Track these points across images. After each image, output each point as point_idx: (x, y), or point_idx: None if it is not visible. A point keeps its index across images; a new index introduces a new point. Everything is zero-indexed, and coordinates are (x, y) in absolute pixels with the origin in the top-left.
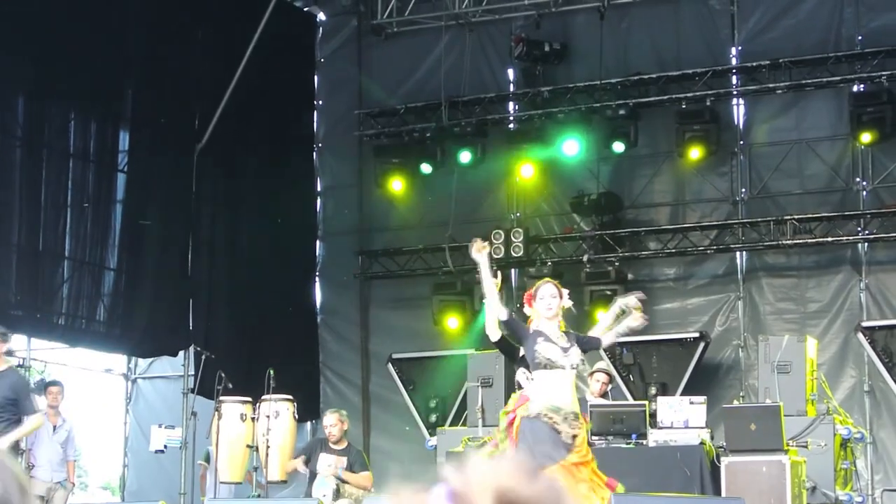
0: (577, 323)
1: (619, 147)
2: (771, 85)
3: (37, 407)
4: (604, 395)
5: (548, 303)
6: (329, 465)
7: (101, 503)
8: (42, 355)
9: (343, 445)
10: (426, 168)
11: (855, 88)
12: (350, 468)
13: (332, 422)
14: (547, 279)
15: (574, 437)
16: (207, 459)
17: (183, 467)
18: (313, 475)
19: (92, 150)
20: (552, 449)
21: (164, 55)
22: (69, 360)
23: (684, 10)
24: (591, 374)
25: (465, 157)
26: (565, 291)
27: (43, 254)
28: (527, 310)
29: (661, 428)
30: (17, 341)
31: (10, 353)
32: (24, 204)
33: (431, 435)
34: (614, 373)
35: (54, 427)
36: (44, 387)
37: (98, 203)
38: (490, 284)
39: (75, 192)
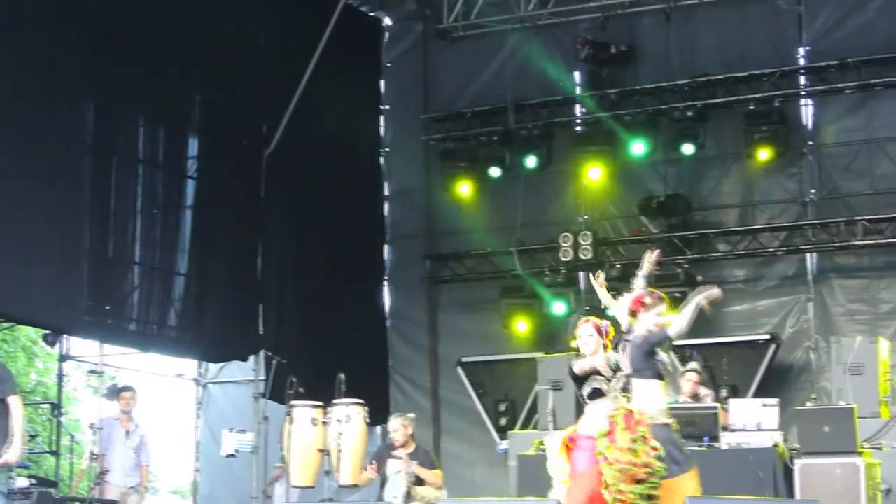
0: None
1: (688, 149)
2: (839, 85)
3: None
4: (694, 395)
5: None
6: (398, 470)
7: None
8: (114, 361)
9: (410, 449)
10: (495, 172)
11: None
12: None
13: (395, 426)
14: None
15: None
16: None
17: (254, 472)
18: (384, 479)
19: (161, 156)
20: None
21: (231, 61)
22: (141, 366)
23: (751, 11)
24: (683, 374)
25: (531, 161)
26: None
27: (113, 260)
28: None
29: (733, 430)
30: (89, 347)
31: None
32: (94, 210)
33: (501, 438)
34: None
35: (127, 432)
36: (116, 392)
37: (167, 209)
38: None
39: (145, 198)
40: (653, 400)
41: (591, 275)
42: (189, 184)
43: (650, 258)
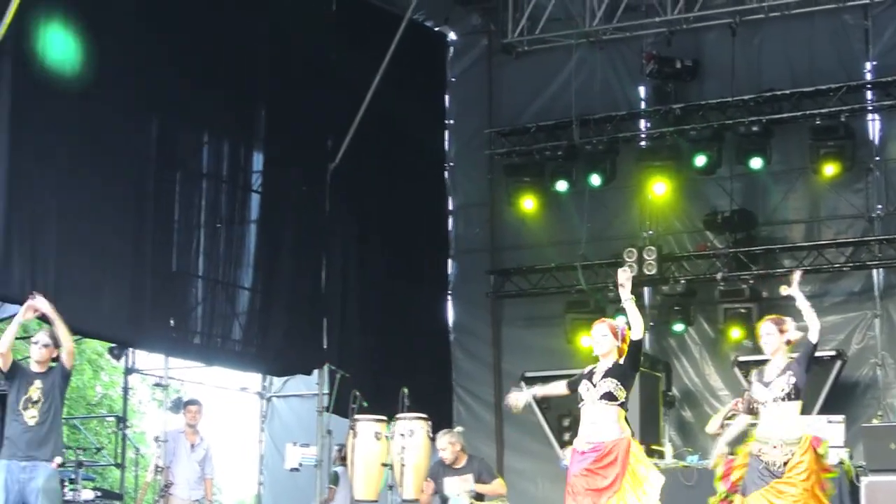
0: (711, 341)
1: (755, 164)
2: None
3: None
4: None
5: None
6: (456, 490)
7: None
8: (179, 374)
9: (463, 462)
10: (561, 186)
11: None
12: (479, 479)
13: (443, 445)
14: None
15: (784, 463)
16: (335, 481)
17: (318, 485)
18: (444, 500)
19: (225, 170)
20: (754, 479)
21: (296, 76)
22: (205, 379)
23: (817, 25)
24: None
25: (595, 180)
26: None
27: (177, 274)
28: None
29: None
30: (155, 360)
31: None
32: (158, 224)
33: (565, 453)
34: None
35: (192, 445)
36: (183, 405)
37: (231, 223)
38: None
39: (208, 212)
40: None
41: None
42: (254, 198)
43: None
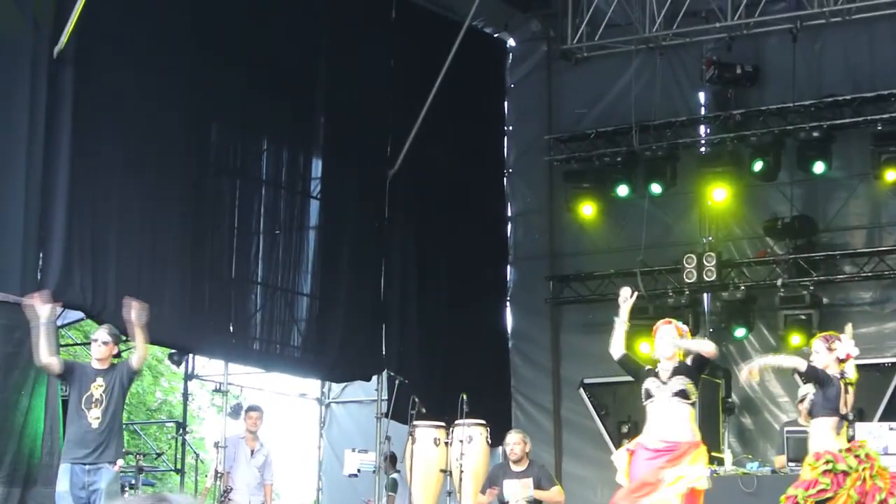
0: (771, 348)
1: (819, 168)
2: None
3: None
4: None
5: (666, 342)
6: (515, 492)
7: None
8: (238, 380)
9: (524, 465)
10: (622, 191)
11: None
12: (537, 485)
13: (516, 440)
14: (668, 319)
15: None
16: (394, 488)
17: (377, 491)
18: (502, 502)
19: (284, 177)
20: None
21: (356, 82)
22: (265, 385)
23: (879, 30)
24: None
25: (655, 186)
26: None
27: (235, 280)
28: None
29: None
30: (214, 366)
31: (117, 354)
32: (216, 231)
33: None
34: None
35: (252, 451)
36: (244, 411)
37: (290, 229)
38: (621, 326)
39: (267, 218)
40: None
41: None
42: (313, 204)
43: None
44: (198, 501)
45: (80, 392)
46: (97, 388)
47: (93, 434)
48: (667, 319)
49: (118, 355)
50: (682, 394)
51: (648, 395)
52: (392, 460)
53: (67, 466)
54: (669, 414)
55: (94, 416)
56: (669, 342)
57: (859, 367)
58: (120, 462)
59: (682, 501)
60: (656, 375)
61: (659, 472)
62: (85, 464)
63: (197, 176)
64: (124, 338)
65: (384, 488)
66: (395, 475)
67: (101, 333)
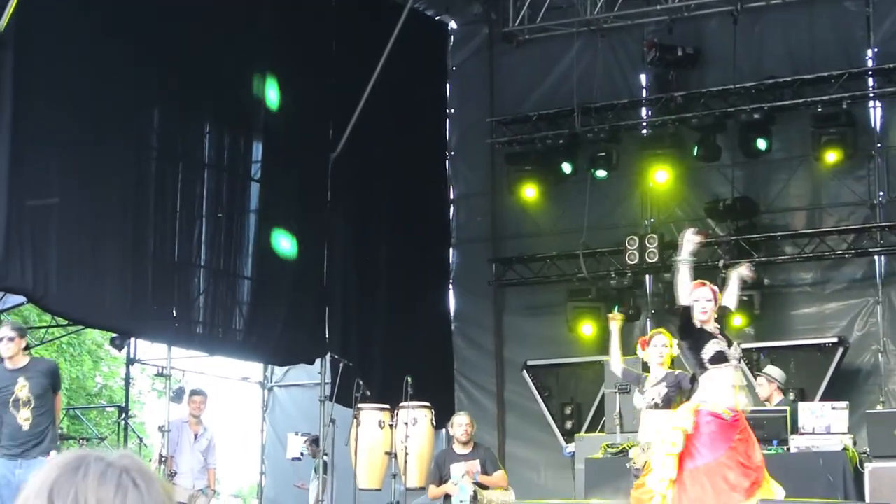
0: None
1: (762, 144)
2: None
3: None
4: (767, 400)
5: (659, 351)
6: (462, 473)
7: None
8: (180, 364)
9: (471, 448)
10: (565, 170)
11: None
12: (483, 468)
13: (467, 421)
14: (660, 329)
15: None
16: (325, 471)
17: (330, 473)
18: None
19: (226, 160)
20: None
21: (297, 66)
22: (207, 369)
23: (819, 13)
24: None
25: (598, 167)
26: (675, 340)
27: (178, 264)
28: (640, 353)
29: (802, 434)
30: (155, 350)
31: (27, 348)
32: (159, 214)
33: (567, 442)
34: (781, 379)
35: (196, 435)
36: (188, 395)
37: (233, 213)
38: (616, 345)
39: (210, 202)
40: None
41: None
42: (254, 188)
43: (691, 238)
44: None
45: (2, 397)
46: (21, 388)
47: (24, 434)
48: (701, 281)
49: (27, 348)
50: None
51: (725, 359)
52: (317, 443)
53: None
54: (735, 382)
55: (24, 418)
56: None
57: (800, 347)
58: (53, 454)
59: None
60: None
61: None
62: (16, 456)
63: (139, 159)
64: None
65: (313, 471)
66: (325, 458)
67: (5, 330)
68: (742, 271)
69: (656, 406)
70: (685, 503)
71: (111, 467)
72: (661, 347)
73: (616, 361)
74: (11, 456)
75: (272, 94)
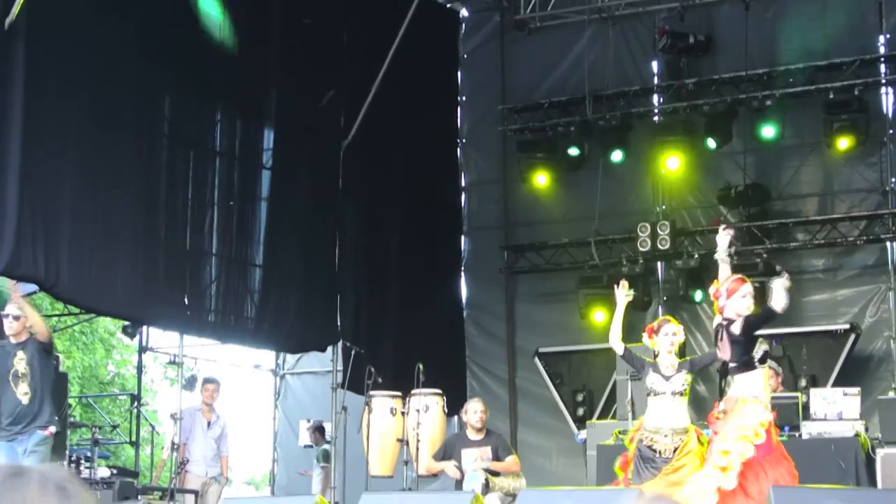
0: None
1: (768, 132)
2: None
3: None
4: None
5: (670, 339)
6: (474, 459)
7: (253, 498)
8: (192, 352)
9: (483, 434)
10: (574, 159)
11: None
12: (495, 455)
13: (482, 407)
14: (668, 317)
15: (675, 449)
16: (327, 459)
17: (333, 462)
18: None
19: (238, 148)
20: (650, 465)
21: (309, 54)
22: (219, 357)
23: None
24: None
25: (611, 154)
26: (681, 328)
27: (190, 251)
28: (646, 341)
29: (814, 420)
30: (168, 338)
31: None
32: (170, 202)
33: (579, 429)
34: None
35: (209, 423)
36: (201, 383)
37: (244, 200)
38: (618, 321)
39: (221, 189)
40: (649, 416)
41: (617, 285)
42: (265, 175)
43: (724, 237)
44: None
45: (4, 367)
46: (19, 361)
47: (24, 409)
48: (742, 278)
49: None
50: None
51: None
52: (321, 431)
53: (3, 444)
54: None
55: (23, 392)
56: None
57: (812, 333)
58: (52, 428)
59: None
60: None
61: None
62: (19, 435)
63: (150, 147)
64: None
65: (315, 460)
66: (326, 446)
67: (10, 308)
68: (784, 282)
69: (681, 395)
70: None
71: (48, 478)
72: (671, 336)
73: (616, 337)
74: (12, 436)
75: (283, 81)
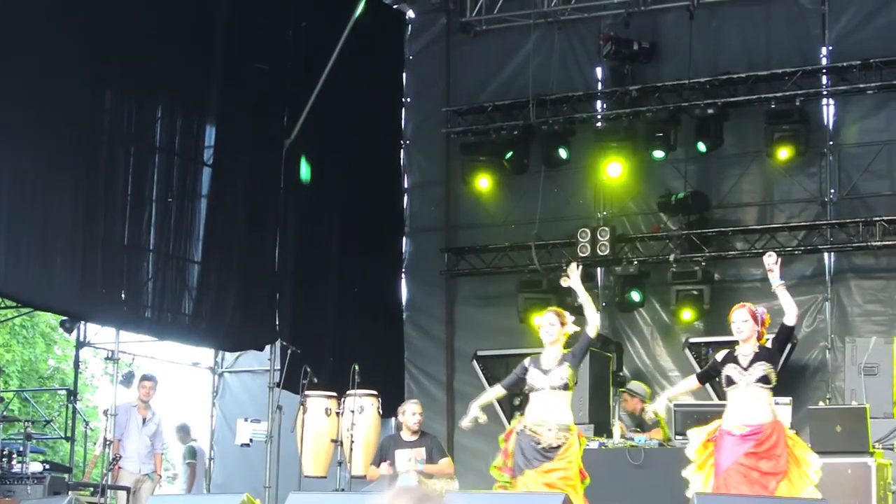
0: (663, 323)
1: (701, 147)
2: (861, 85)
3: None
4: (633, 412)
5: (546, 330)
6: (408, 459)
7: (179, 496)
8: (131, 348)
9: (417, 436)
10: (515, 165)
11: None
12: (429, 456)
13: (419, 409)
14: (554, 308)
15: (557, 446)
16: (192, 456)
17: (268, 461)
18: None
19: (177, 144)
20: (526, 458)
21: (253, 51)
22: (157, 354)
23: (775, 10)
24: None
25: (552, 157)
26: (570, 318)
27: (128, 247)
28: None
29: None
30: (107, 334)
31: None
32: (109, 198)
33: None
34: (643, 392)
35: (143, 420)
36: (138, 380)
37: (183, 197)
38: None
39: (160, 186)
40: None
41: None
42: (206, 172)
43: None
44: None
45: None
46: None
47: None
48: (742, 304)
49: None
50: (765, 380)
51: (731, 382)
52: (185, 430)
53: None
54: (751, 399)
55: None
56: (742, 326)
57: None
58: None
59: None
60: (735, 361)
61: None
62: None
63: (90, 142)
64: None
65: (182, 458)
66: (192, 443)
67: None
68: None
69: (561, 389)
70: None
71: None
72: (547, 326)
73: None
74: None
75: (226, 78)
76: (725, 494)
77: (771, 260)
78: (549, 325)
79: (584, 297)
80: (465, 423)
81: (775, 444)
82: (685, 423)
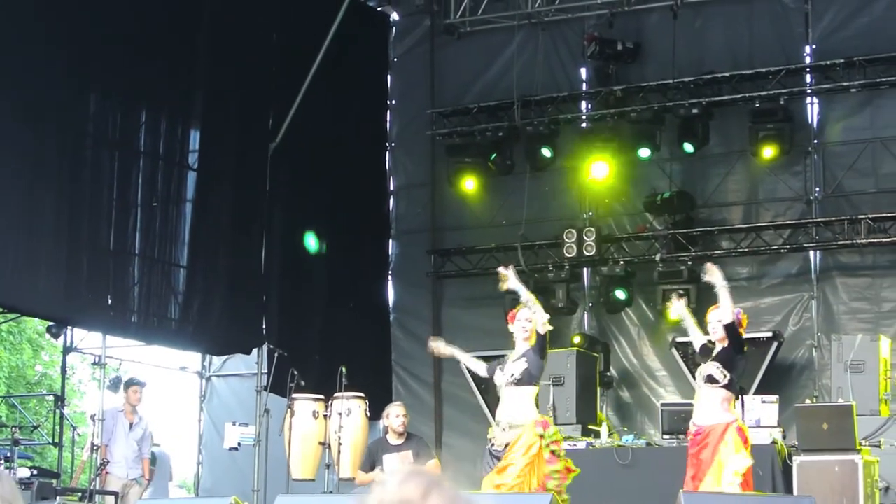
0: (649, 322)
1: (688, 147)
2: (845, 83)
3: None
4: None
5: (521, 325)
6: (395, 466)
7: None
8: (118, 353)
9: (404, 438)
10: (501, 167)
11: None
12: (416, 459)
13: (403, 412)
14: (523, 305)
15: (506, 445)
16: (153, 462)
17: (256, 464)
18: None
19: (162, 148)
20: (494, 459)
21: (237, 54)
22: (145, 358)
23: (758, 9)
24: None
25: (537, 158)
26: (546, 316)
27: (114, 252)
28: (510, 327)
29: None
30: (95, 339)
31: None
32: (94, 202)
33: None
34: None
35: (131, 424)
36: (125, 385)
37: (167, 201)
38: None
39: (145, 190)
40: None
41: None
42: (190, 176)
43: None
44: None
45: None
46: None
47: None
48: (716, 305)
49: None
50: (710, 379)
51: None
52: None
53: None
54: (701, 399)
55: None
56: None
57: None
58: None
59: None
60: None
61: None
62: None
63: (74, 147)
64: None
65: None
66: (154, 448)
67: None
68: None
69: (518, 382)
70: None
71: None
72: (523, 321)
73: (478, 366)
74: None
75: (211, 82)
76: (711, 493)
77: (710, 266)
78: (525, 320)
79: (526, 297)
80: (441, 344)
81: (705, 446)
82: (672, 422)
